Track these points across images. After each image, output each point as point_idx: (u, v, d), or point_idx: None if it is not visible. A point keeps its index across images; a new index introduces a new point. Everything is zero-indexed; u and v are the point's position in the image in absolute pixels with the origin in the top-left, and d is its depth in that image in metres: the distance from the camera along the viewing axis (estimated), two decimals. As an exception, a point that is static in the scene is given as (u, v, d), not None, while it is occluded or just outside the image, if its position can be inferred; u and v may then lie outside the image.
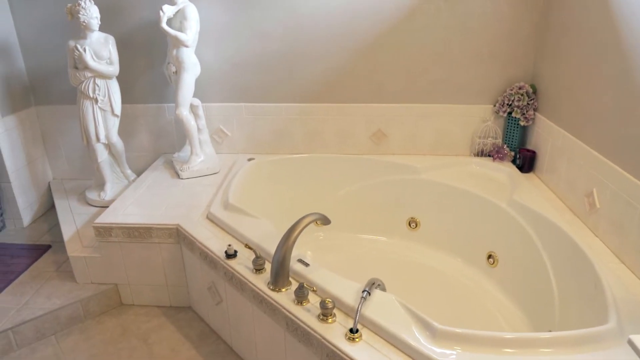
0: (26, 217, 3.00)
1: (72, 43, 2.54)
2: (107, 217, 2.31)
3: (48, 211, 3.18)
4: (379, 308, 1.60)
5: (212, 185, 2.63)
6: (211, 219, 2.24)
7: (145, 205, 2.42)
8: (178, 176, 2.74)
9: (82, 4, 2.45)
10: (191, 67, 2.60)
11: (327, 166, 2.85)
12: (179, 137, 3.03)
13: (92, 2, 2.50)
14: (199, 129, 2.77)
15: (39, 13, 2.84)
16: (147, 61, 2.88)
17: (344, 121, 2.89)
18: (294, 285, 1.79)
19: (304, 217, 1.79)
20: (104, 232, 2.28)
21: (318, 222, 1.85)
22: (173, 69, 2.64)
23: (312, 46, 2.75)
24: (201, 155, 2.76)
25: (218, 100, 2.91)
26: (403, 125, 2.88)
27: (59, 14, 2.79)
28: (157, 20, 2.50)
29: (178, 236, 2.23)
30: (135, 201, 2.48)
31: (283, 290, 1.76)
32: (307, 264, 1.84)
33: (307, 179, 2.84)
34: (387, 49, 2.73)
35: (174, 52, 2.58)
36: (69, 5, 2.49)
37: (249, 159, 2.85)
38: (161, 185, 2.66)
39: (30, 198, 3.04)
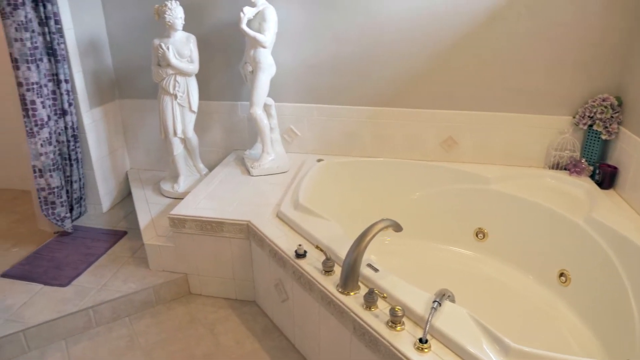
0: (105, 203, 3.19)
1: (156, 41, 2.67)
2: (182, 209, 2.42)
3: (124, 199, 3.36)
4: (449, 320, 1.58)
5: (282, 184, 2.69)
6: (281, 217, 2.29)
7: (217, 200, 2.51)
8: (249, 173, 2.82)
9: (169, 4, 2.57)
10: (267, 68, 2.67)
11: (396, 171, 2.84)
12: (251, 134, 3.11)
13: (178, 3, 2.61)
14: (271, 128, 2.83)
15: (128, 13, 3.00)
16: (224, 60, 2.98)
17: (414, 126, 2.87)
18: (363, 289, 1.80)
19: (377, 223, 1.79)
20: (179, 223, 2.38)
21: (390, 228, 1.85)
22: (249, 68, 2.71)
23: (387, 50, 2.75)
24: (272, 153, 2.83)
25: (291, 101, 2.97)
26: (475, 133, 2.82)
27: (146, 14, 2.95)
28: (237, 21, 2.57)
29: (248, 232, 2.30)
30: (208, 195, 2.57)
31: (352, 294, 1.78)
32: (376, 270, 1.85)
33: (376, 183, 2.84)
34: (463, 54, 2.68)
35: (252, 52, 2.65)
36: (157, 5, 2.62)
37: (318, 160, 2.89)
38: (232, 181, 2.75)
39: (110, 186, 3.23)
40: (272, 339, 2.28)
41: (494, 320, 1.99)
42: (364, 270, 1.85)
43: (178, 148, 2.89)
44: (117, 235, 2.89)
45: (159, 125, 2.86)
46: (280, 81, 2.90)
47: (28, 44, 2.50)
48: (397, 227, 1.89)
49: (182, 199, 2.86)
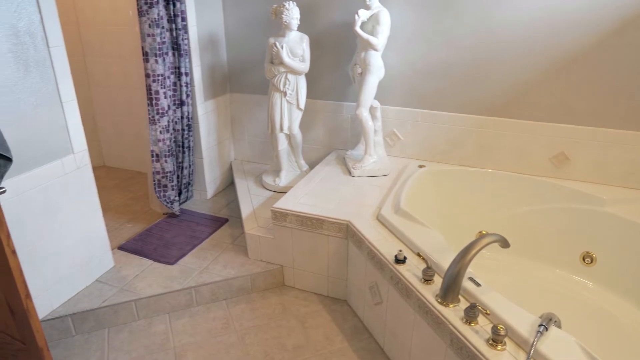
0: (210, 191, 3.38)
1: (271, 40, 2.78)
2: (284, 204, 2.50)
3: (227, 188, 3.54)
4: (554, 346, 1.50)
5: (382, 187, 2.69)
6: (381, 220, 2.29)
7: (318, 198, 2.57)
8: (349, 173, 2.85)
9: (287, 5, 2.66)
10: (377, 70, 2.68)
11: (499, 183, 2.73)
12: (353, 135, 3.14)
13: (295, 3, 2.70)
14: (375, 131, 2.84)
15: (245, 11, 3.15)
16: (333, 60, 3.03)
17: (522, 139, 2.74)
18: (463, 302, 1.76)
19: (484, 236, 1.74)
20: (280, 216, 2.47)
21: (497, 243, 1.79)
22: (359, 70, 2.74)
23: (501, 57, 2.65)
24: (374, 156, 2.84)
25: (396, 104, 2.96)
26: (591, 150, 2.64)
27: (262, 13, 3.07)
28: (352, 23, 2.61)
29: (347, 232, 2.33)
30: (310, 192, 2.64)
31: (451, 305, 1.74)
32: (478, 284, 1.79)
33: (478, 194, 2.75)
34: (586, 65, 2.51)
35: (363, 54, 2.67)
36: (275, 6, 2.72)
37: (420, 166, 2.85)
38: (333, 180, 2.79)
39: (215, 174, 3.41)
40: (361, 340, 2.29)
41: (597, 351, 1.86)
42: (466, 283, 1.80)
43: (283, 144, 2.99)
44: (219, 222, 3.05)
45: (267, 120, 2.98)
46: (386, 84, 2.90)
47: (158, 39, 2.71)
48: (505, 244, 1.82)
49: (283, 192, 2.97)
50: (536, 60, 2.58)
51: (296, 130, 2.97)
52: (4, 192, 1.70)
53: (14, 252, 1.73)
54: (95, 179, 3.89)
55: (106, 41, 3.67)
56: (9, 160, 1.92)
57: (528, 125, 2.71)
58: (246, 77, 3.34)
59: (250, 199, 3.00)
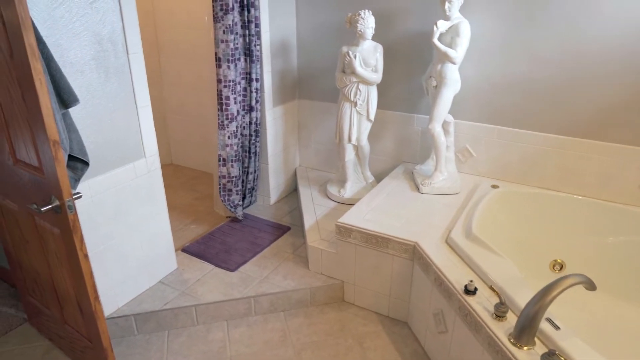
0: (273, 196, 3.38)
1: (344, 49, 2.71)
2: (349, 219, 2.43)
3: (290, 194, 3.52)
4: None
5: (451, 205, 2.56)
6: (451, 244, 2.17)
7: (384, 214, 2.48)
8: (417, 189, 2.74)
9: (362, 14, 2.59)
10: (452, 84, 2.55)
11: (582, 210, 2.52)
12: (423, 148, 3.02)
13: (370, 12, 2.61)
14: (446, 146, 2.71)
15: (318, 18, 3.11)
16: (406, 70, 2.93)
17: (609, 163, 2.52)
18: (539, 346, 1.62)
19: (567, 277, 1.59)
20: (344, 231, 2.40)
21: (582, 285, 1.63)
22: (434, 83, 2.62)
23: (589, 74, 2.44)
24: (444, 172, 2.71)
25: (470, 119, 2.81)
26: (691, 180, 2.38)
27: (336, 20, 3.01)
28: (429, 34, 2.49)
29: (413, 253, 2.23)
30: (376, 207, 2.55)
31: (525, 348, 1.61)
32: (557, 327, 1.65)
33: (556, 220, 2.55)
34: (692, 87, 2.26)
35: (439, 66, 2.55)
36: (350, 14, 2.65)
37: (493, 186, 2.69)
38: (400, 196, 2.69)
39: (279, 180, 3.40)
40: (422, 368, 2.19)
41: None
42: (543, 325, 1.66)
43: (350, 154, 2.92)
44: (281, 230, 3.03)
45: (335, 129, 2.92)
46: (461, 97, 2.75)
47: (231, 45, 2.71)
48: (591, 286, 1.65)
49: (347, 204, 2.91)
50: (628, 78, 2.36)
51: (364, 142, 2.89)
52: (79, 197, 1.74)
53: (86, 256, 1.77)
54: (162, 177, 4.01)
55: (180, 43, 3.75)
56: (86, 164, 1.98)
57: (617, 149, 2.48)
58: (316, 84, 3.30)
59: (313, 209, 2.96)
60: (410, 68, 2.91)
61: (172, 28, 3.76)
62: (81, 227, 2.10)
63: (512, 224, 2.55)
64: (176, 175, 4.06)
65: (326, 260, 2.54)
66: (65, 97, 1.82)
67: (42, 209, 1.67)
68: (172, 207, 3.46)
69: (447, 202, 2.61)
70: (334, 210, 2.92)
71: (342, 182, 3.06)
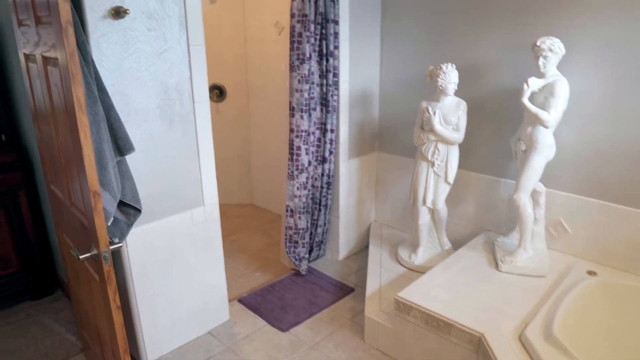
0: (343, 252, 3.19)
1: (424, 104, 2.51)
2: (411, 294, 2.17)
3: (361, 250, 3.31)
4: None
5: (534, 291, 2.19)
6: (524, 344, 1.82)
7: (452, 292, 2.18)
8: (496, 266, 2.40)
9: (444, 68, 2.38)
10: (545, 149, 2.22)
11: None
12: (509, 218, 2.67)
13: (454, 66, 2.40)
14: (535, 219, 2.36)
15: (402, 68, 2.95)
16: (493, 129, 2.64)
17: None
18: None
19: None
20: (404, 308, 2.14)
21: None
22: (523, 147, 2.31)
23: None
24: (530, 250, 2.34)
25: (566, 189, 2.43)
26: None
27: (420, 72, 2.82)
28: (519, 93, 2.21)
29: (478, 346, 1.91)
30: (444, 283, 2.26)
31: None
32: None
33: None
34: None
35: (529, 129, 2.24)
36: (431, 68, 2.46)
37: (590, 272, 2.26)
38: (475, 271, 2.37)
39: (351, 235, 3.22)
40: None
41: None
42: None
43: (424, 217, 2.67)
44: (344, 290, 2.83)
45: (410, 189, 2.70)
46: (557, 164, 2.38)
47: (306, 94, 2.64)
48: None
49: (417, 272, 2.65)
50: None
51: (441, 205, 2.62)
52: (120, 246, 1.71)
53: (119, 307, 1.72)
54: (240, 217, 4.03)
55: (268, 87, 3.79)
56: (138, 211, 1.97)
57: None
58: (397, 137, 3.10)
59: (379, 273, 2.72)
60: (498, 128, 2.61)
61: (261, 72, 3.82)
62: (131, 272, 2.11)
63: (610, 326, 2.09)
64: (254, 217, 4.05)
65: (383, 335, 2.29)
66: (121, 145, 1.83)
67: (80, 256, 1.66)
68: (242, 250, 3.42)
69: (530, 285, 2.23)
70: (402, 277, 2.66)
71: (414, 246, 2.79)
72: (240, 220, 3.98)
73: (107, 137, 1.76)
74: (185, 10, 2.01)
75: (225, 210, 4.18)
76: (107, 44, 1.81)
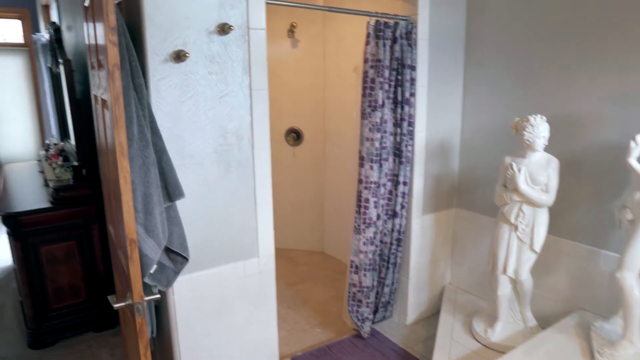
0: (411, 315, 2.89)
1: (508, 159, 2.23)
2: (480, 380, 1.85)
3: (432, 316, 2.98)
4: None
5: (640, 398, 1.77)
6: None
7: (531, 384, 1.83)
8: (592, 358, 1.99)
9: (532, 120, 2.10)
10: (658, 222, 1.83)
11: None
12: (611, 299, 2.23)
13: (544, 119, 2.10)
14: (643, 306, 1.94)
15: (487, 118, 2.68)
16: (591, 192, 2.27)
17: None
18: None
19: None
20: (471, 397, 1.82)
21: None
22: (629, 216, 1.94)
23: None
24: (637, 344, 1.92)
25: (687, 272, 1.99)
26: None
27: (506, 123, 2.54)
28: (624, 151, 1.87)
29: None
30: (522, 371, 1.91)
31: None
32: None
33: None
34: None
35: (637, 195, 1.88)
36: (517, 119, 2.18)
37: None
38: (562, 360, 1.99)
39: (421, 297, 2.92)
40: None
41: None
42: None
43: (504, 288, 2.33)
44: (408, 361, 2.53)
45: (488, 254, 2.38)
46: (675, 239, 1.97)
47: (377, 144, 2.47)
48: None
49: (493, 350, 2.30)
50: None
51: (525, 276, 2.27)
52: (156, 298, 1.62)
53: (150, 364, 1.61)
54: (308, 264, 3.87)
55: (344, 133, 3.67)
56: (185, 259, 1.88)
57: None
58: (479, 193, 2.81)
59: (449, 346, 2.40)
60: (598, 191, 2.24)
61: (338, 117, 3.72)
62: (176, 321, 2.01)
63: None
64: (322, 266, 3.87)
65: None
66: (171, 190, 1.77)
67: (115, 305, 1.58)
68: (305, 301, 3.24)
69: (635, 389, 1.81)
70: (474, 354, 2.32)
71: (492, 319, 2.44)
72: (308, 269, 3.82)
73: (156, 181, 1.70)
74: (250, 55, 1.95)
75: (294, 256, 4.05)
76: (166, 87, 1.79)
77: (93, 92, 1.96)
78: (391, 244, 2.71)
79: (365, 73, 2.42)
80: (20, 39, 6.00)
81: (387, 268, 2.74)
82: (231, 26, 1.83)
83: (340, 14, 3.32)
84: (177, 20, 1.76)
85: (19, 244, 2.59)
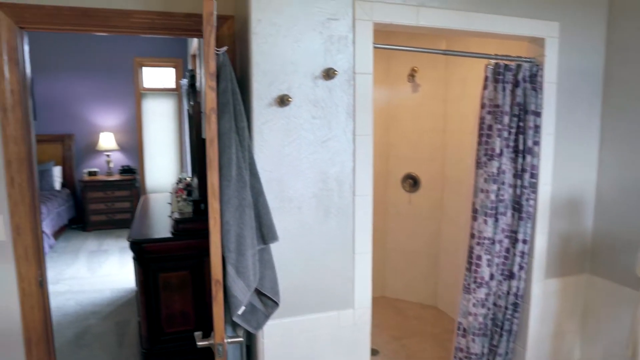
0: (528, 394, 2.53)
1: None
2: None
3: (556, 398, 2.58)
4: None
5: None
6: None
7: None
8: None
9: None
10: None
11: None
12: None
13: None
14: None
15: (630, 173, 2.31)
16: None
17: None
18: None
19: None
20: None
21: None
22: None
23: None
24: None
25: None
26: None
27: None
28: None
29: None
30: None
31: None
32: None
33: None
34: None
35: None
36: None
37: None
38: None
39: (542, 374, 2.54)
40: None
41: None
42: None
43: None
44: None
45: (628, 336, 2.00)
46: None
47: (492, 196, 2.25)
48: None
49: None
50: None
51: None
52: (239, 341, 1.60)
53: (228, 410, 1.58)
54: (418, 318, 3.63)
55: (465, 181, 3.43)
56: (276, 303, 1.85)
57: None
58: (618, 259, 2.40)
59: None
60: None
61: (458, 164, 3.51)
62: (264, 367, 1.97)
63: None
64: (433, 323, 3.61)
65: None
66: (265, 233, 1.77)
67: (199, 343, 1.59)
68: (409, 359, 3.03)
69: None
70: None
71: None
72: (417, 323, 3.58)
73: (250, 223, 1.71)
74: (355, 99, 1.92)
75: (404, 308, 3.84)
76: (269, 131, 1.82)
77: (202, 134, 2.07)
78: (506, 308, 2.41)
79: (482, 119, 2.25)
80: (172, 85, 6.77)
81: (501, 335, 2.44)
82: (335, 71, 1.82)
83: (464, 57, 3.17)
84: (283, 66, 1.80)
85: (142, 269, 2.79)
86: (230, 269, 1.67)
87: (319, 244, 1.97)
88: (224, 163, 1.63)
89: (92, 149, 6.63)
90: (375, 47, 1.93)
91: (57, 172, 6.30)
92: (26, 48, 1.99)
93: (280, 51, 1.80)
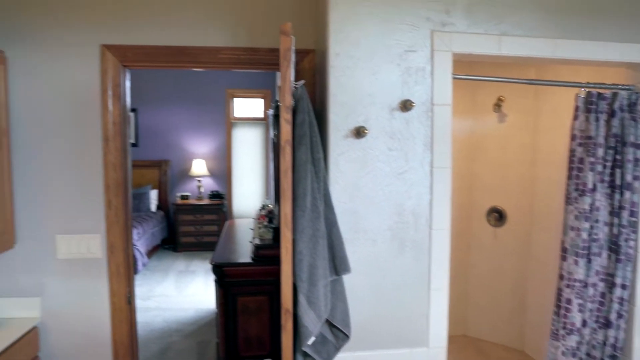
0: None
1: None
2: None
3: None
4: None
5: None
6: None
7: None
8: None
9: None
10: None
11: None
12: None
13: None
14: None
15: None
16: None
17: None
18: None
19: None
20: None
21: None
22: None
23: None
24: None
25: None
26: None
27: None
28: None
29: None
30: None
31: None
32: None
33: None
34: None
35: None
36: None
37: None
38: None
39: None
40: None
41: None
42: None
43: None
44: None
45: None
46: None
47: (584, 234, 2.08)
48: None
49: None
50: None
51: None
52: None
53: None
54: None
55: (556, 217, 3.20)
56: (346, 335, 1.83)
57: None
58: None
59: None
60: None
61: (548, 198, 3.29)
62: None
63: None
64: (519, 367, 3.36)
65: None
66: (338, 264, 1.76)
67: (270, 372, 1.60)
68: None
69: None
70: None
71: None
72: (502, 367, 3.36)
73: (323, 253, 1.71)
74: (432, 131, 1.88)
75: (487, 349, 3.61)
76: (345, 162, 1.83)
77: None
78: (602, 359, 2.19)
79: (572, 152, 2.10)
80: (261, 114, 7.08)
81: (596, 390, 2.21)
82: (413, 103, 1.80)
83: (554, 86, 3.01)
84: (360, 98, 1.82)
85: (222, 291, 2.89)
86: (302, 299, 1.67)
87: (393, 278, 1.92)
88: (299, 194, 1.66)
89: (185, 174, 7.07)
90: (454, 78, 1.89)
91: (153, 195, 6.77)
92: (127, 84, 2.19)
93: (358, 83, 1.82)
